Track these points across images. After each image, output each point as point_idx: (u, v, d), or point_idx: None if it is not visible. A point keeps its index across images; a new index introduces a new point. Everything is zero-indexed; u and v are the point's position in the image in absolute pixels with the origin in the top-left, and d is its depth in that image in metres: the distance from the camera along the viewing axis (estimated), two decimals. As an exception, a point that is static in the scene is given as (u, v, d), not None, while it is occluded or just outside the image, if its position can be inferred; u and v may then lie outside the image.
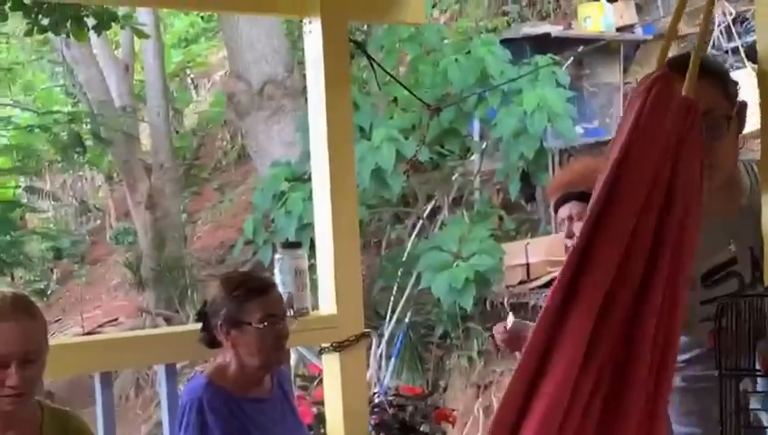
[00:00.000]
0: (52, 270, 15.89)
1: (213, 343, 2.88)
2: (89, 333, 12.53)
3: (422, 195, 8.61)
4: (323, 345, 3.53)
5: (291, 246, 3.46)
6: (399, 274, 7.90)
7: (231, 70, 9.60)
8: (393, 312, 7.97)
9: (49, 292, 15.22)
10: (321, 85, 3.42)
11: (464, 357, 7.99)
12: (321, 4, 3.41)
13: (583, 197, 2.87)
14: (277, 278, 3.41)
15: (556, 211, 2.94)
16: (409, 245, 8.10)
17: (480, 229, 7.06)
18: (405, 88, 5.01)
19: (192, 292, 11.67)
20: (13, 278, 13.36)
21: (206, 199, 15.43)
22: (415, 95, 5.14)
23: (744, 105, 2.15)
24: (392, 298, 8.04)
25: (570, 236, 2.91)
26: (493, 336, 2.99)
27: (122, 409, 10.82)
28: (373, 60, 3.74)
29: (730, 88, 2.15)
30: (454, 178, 8.23)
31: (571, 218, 2.90)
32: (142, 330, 8.48)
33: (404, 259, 7.91)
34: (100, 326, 12.85)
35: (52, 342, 2.41)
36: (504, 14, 11.92)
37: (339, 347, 3.48)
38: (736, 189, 2.22)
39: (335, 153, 3.48)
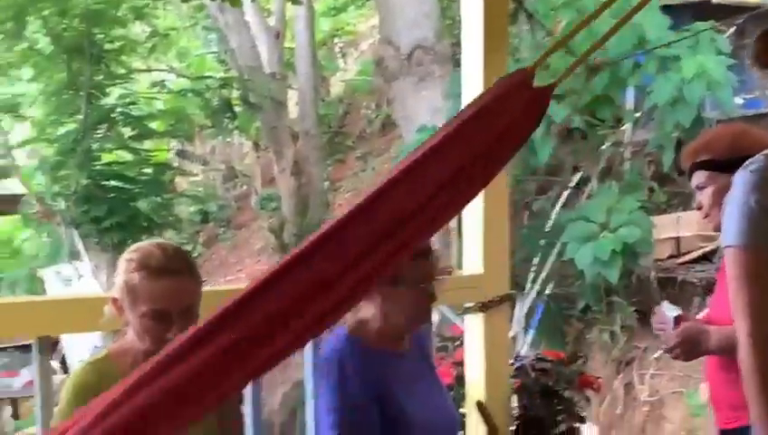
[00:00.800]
0: (198, 233, 16.36)
1: (362, 293, 2.83)
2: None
3: (569, 165, 8.40)
4: (467, 305, 3.47)
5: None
6: (542, 244, 7.74)
7: (381, 35, 9.57)
8: (533, 283, 7.83)
9: (195, 254, 15.70)
10: (479, 45, 3.33)
11: (605, 332, 7.79)
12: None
13: (708, 165, 2.75)
14: (423, 235, 3.35)
15: (690, 179, 2.84)
16: (554, 215, 7.92)
17: (629, 200, 6.83)
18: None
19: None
20: (163, 237, 13.81)
21: (348, 167, 15.57)
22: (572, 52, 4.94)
23: None
24: (533, 269, 7.90)
25: (698, 207, 2.80)
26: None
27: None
28: (533, 15, 3.62)
29: None
30: (604, 147, 7.98)
31: (698, 188, 2.79)
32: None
33: (548, 229, 7.74)
34: (244, 287, 13.12)
35: (210, 288, 2.41)
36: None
37: (483, 307, 3.41)
38: None
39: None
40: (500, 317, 3.48)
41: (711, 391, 2.89)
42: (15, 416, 8.81)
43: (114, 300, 2.30)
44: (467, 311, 3.47)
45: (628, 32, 6.61)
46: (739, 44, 8.06)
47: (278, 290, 1.56)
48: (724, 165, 2.69)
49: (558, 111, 6.67)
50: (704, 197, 2.80)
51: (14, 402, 8.75)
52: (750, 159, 2.27)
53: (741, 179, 2.22)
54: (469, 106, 1.71)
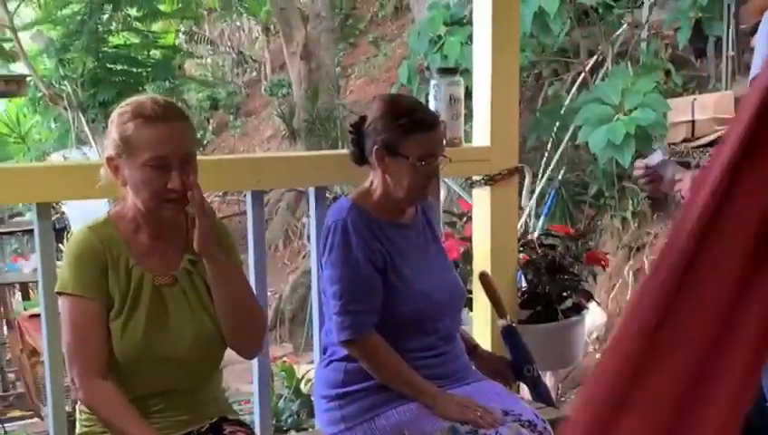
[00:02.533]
0: (208, 120, 16.24)
1: (362, 160, 2.76)
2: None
3: (584, 48, 8.21)
4: (474, 178, 3.39)
5: (448, 71, 3.29)
6: (555, 129, 7.62)
7: None
8: (546, 169, 7.73)
9: (204, 141, 15.62)
10: None
11: (617, 217, 7.73)
12: None
13: None
14: (431, 105, 3.26)
15: (752, 35, 2.68)
16: (568, 99, 7.78)
17: (645, 82, 6.66)
18: None
19: (343, 143, 11.70)
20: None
21: (360, 52, 15.32)
22: None
23: None
24: (546, 155, 7.80)
25: None
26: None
27: (271, 259, 11.09)
28: None
29: None
30: (620, 29, 7.78)
31: None
32: (293, 152, 8.53)
33: (562, 112, 7.61)
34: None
35: (207, 157, 2.35)
36: None
37: (491, 180, 3.34)
38: None
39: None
40: (507, 190, 3.40)
41: None
42: (26, 299, 8.88)
43: (109, 159, 2.24)
44: (475, 184, 3.40)
45: None
46: None
47: None
48: None
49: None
50: None
51: (24, 286, 8.79)
52: None
53: None
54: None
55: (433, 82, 3.27)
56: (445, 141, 3.04)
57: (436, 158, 2.69)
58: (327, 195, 3.18)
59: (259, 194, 3.01)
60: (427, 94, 3.40)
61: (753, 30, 2.61)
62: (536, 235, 3.66)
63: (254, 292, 2.56)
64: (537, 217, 7.70)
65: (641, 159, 2.80)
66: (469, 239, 3.52)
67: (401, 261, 2.69)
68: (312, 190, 3.11)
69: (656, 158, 2.76)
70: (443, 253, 2.96)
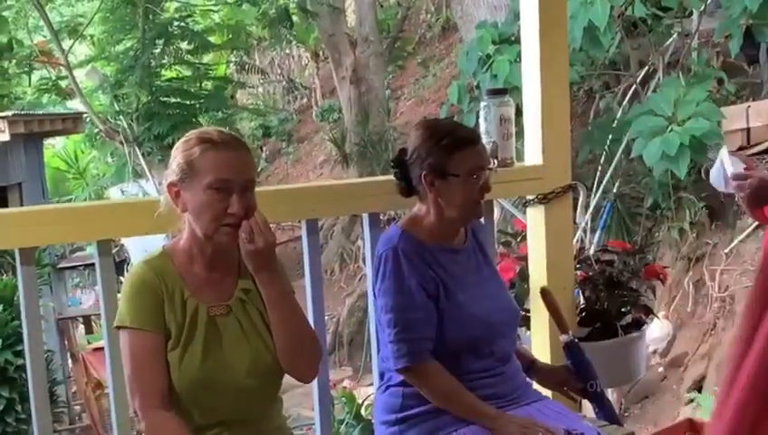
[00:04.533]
0: (261, 148, 16.41)
1: (410, 191, 2.78)
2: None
3: (635, 60, 8.16)
4: (528, 197, 3.39)
5: (497, 93, 3.30)
6: (608, 142, 7.57)
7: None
8: (600, 183, 7.68)
9: (259, 169, 15.77)
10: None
11: (674, 229, 7.65)
12: None
13: None
14: (482, 126, 3.27)
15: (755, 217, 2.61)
16: (620, 111, 7.73)
17: (697, 91, 6.60)
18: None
19: (396, 166, 11.74)
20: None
21: (409, 74, 15.40)
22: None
23: None
24: (599, 168, 7.75)
25: None
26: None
27: (327, 283, 11.14)
28: None
29: None
30: (670, 39, 7.72)
31: None
32: (346, 180, 8.59)
33: (614, 125, 7.56)
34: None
35: (266, 188, 2.39)
36: None
37: (544, 199, 3.33)
38: None
39: (546, 17, 3.28)
40: (562, 208, 3.39)
41: None
42: (89, 332, 9.02)
43: (171, 185, 2.30)
44: (529, 203, 3.40)
45: None
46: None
47: None
48: None
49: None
50: None
51: (87, 320, 8.94)
52: None
53: None
54: None
55: (483, 104, 3.28)
56: (497, 161, 3.05)
57: (484, 170, 2.69)
58: (381, 217, 3.19)
59: (314, 222, 3.04)
60: (478, 113, 3.41)
61: None
62: (592, 250, 3.64)
63: (312, 317, 2.57)
64: (593, 231, 7.65)
65: (734, 177, 2.57)
66: (525, 258, 3.51)
67: (454, 286, 2.69)
68: (365, 216, 3.13)
69: (732, 164, 2.60)
70: (496, 274, 2.96)
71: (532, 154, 3.35)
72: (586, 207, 7.70)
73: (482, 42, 6.80)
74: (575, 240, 4.43)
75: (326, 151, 15.04)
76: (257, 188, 2.37)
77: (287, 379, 2.40)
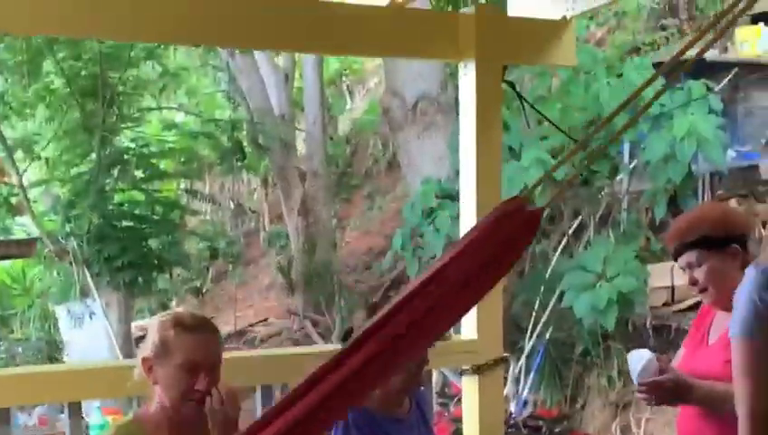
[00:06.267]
0: (207, 269, 16.60)
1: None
2: (240, 332, 13.12)
3: (569, 211, 8.67)
4: (464, 368, 3.72)
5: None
6: (542, 290, 8.00)
7: (387, 85, 9.89)
8: (535, 327, 8.08)
9: (204, 290, 15.93)
10: (473, 128, 3.61)
11: (603, 376, 8.02)
12: (477, 49, 3.58)
13: (699, 244, 2.93)
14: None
15: (675, 259, 3.02)
16: (554, 261, 8.18)
17: (625, 250, 7.10)
18: (554, 125, 5.12)
19: (339, 297, 12.06)
20: (171, 276, 14.06)
21: (355, 206, 15.86)
22: (562, 130, 5.25)
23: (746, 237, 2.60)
24: (534, 313, 8.16)
25: (692, 283, 2.97)
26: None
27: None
28: (525, 100, 3.90)
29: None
30: (601, 196, 8.26)
31: (690, 265, 2.95)
32: (296, 347, 8.85)
33: (548, 276, 8.00)
34: (250, 326, 13.42)
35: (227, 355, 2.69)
36: (663, 28, 11.82)
37: (478, 370, 3.66)
38: None
39: (482, 184, 3.67)
40: (494, 378, 3.72)
41: None
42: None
43: (145, 359, 2.58)
44: (464, 372, 3.72)
45: (622, 89, 6.92)
46: (732, 98, 8.35)
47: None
48: (719, 243, 2.90)
49: (559, 169, 6.92)
50: (699, 274, 2.94)
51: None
52: (760, 260, 2.57)
53: (751, 277, 2.47)
54: (474, 227, 2.07)
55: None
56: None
57: None
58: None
59: (268, 388, 3.32)
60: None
61: (678, 253, 2.99)
62: (521, 417, 3.96)
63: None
64: (527, 373, 8.00)
65: (641, 380, 2.95)
66: (460, 420, 3.82)
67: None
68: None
69: (639, 368, 2.97)
70: (434, 440, 3.27)
71: (468, 328, 3.70)
72: (521, 349, 8.07)
73: (425, 196, 7.24)
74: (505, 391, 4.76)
75: (272, 275, 15.29)
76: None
77: None
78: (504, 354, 3.74)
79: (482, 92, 3.65)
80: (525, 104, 4.05)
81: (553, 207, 8.90)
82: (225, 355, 2.72)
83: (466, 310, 2.14)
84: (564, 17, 3.88)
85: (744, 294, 2.46)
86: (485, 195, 3.67)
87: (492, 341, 3.70)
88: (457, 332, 3.76)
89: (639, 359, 2.95)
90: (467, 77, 3.67)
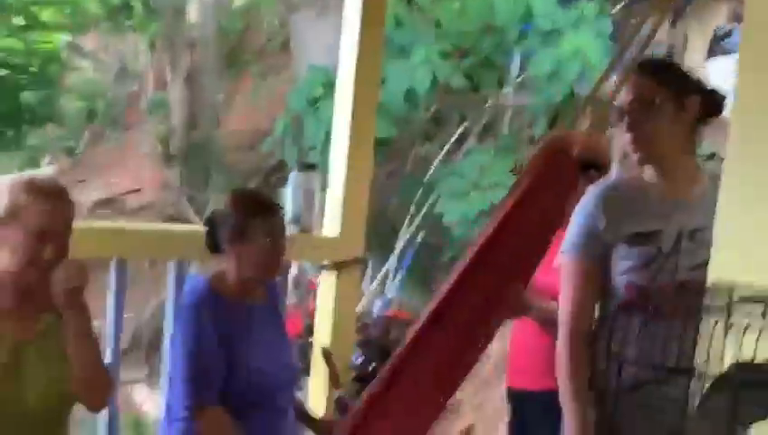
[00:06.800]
0: (84, 130, 16.10)
1: (216, 249, 3.06)
2: (110, 200, 12.86)
3: (455, 116, 8.69)
4: (324, 263, 3.73)
5: (306, 167, 3.65)
6: (420, 193, 8.07)
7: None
8: (408, 229, 8.17)
9: (78, 151, 15.45)
10: (357, 20, 3.54)
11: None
12: None
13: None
14: (288, 195, 3.60)
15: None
16: (433, 167, 8.24)
17: (503, 163, 7.18)
18: (438, 27, 5.06)
19: (218, 173, 11.90)
20: (45, 132, 13.63)
21: (244, 83, 15.51)
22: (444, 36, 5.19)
23: (695, 99, 2.47)
24: (410, 216, 8.24)
25: None
26: None
27: (135, 279, 11.05)
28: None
29: (671, 79, 2.48)
30: (486, 105, 8.31)
31: None
32: (157, 224, 8.76)
33: (426, 180, 8.07)
34: (122, 194, 13.12)
35: (78, 226, 2.61)
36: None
37: (336, 266, 3.68)
38: (690, 177, 2.51)
39: (360, 83, 3.63)
40: (352, 277, 3.75)
41: (515, 353, 3.30)
42: None
43: None
44: (323, 268, 3.74)
45: (518, 2, 6.91)
46: (624, 22, 8.41)
47: None
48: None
49: (443, 68, 6.93)
50: None
51: None
52: (607, 178, 2.61)
53: (591, 193, 2.51)
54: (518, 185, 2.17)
55: (292, 175, 3.61)
56: (298, 228, 3.40)
57: (278, 236, 3.01)
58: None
59: (122, 263, 3.27)
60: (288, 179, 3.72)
61: None
62: (375, 314, 4.02)
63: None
64: (397, 271, 8.12)
65: None
66: (313, 315, 3.85)
67: (246, 342, 3.00)
68: (173, 263, 3.38)
69: None
70: (284, 333, 3.28)
71: (331, 224, 3.69)
72: (392, 248, 8.16)
73: (310, 84, 7.14)
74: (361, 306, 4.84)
75: (151, 144, 14.93)
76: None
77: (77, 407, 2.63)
78: (361, 256, 3.77)
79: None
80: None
81: (441, 112, 8.94)
82: (82, 225, 2.66)
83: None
84: None
85: (580, 211, 2.51)
86: (361, 104, 3.64)
87: (353, 239, 3.71)
88: (320, 227, 3.75)
89: None
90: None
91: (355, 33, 3.62)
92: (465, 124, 8.39)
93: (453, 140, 8.29)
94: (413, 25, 7.08)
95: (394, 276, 8.11)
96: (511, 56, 7.94)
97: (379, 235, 9.06)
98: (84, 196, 13.27)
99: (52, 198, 2.48)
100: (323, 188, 3.72)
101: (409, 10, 7.10)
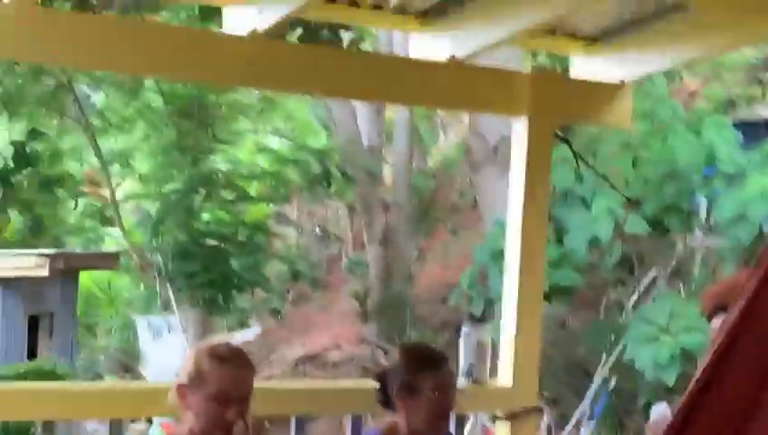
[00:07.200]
0: (288, 291, 16.90)
1: (387, 404, 3.20)
2: (312, 356, 13.33)
3: (641, 262, 8.66)
4: (497, 414, 3.80)
5: (477, 320, 3.78)
6: (612, 338, 8.01)
7: (471, 125, 10.04)
8: (601, 372, 8.08)
9: (283, 311, 16.21)
10: (521, 182, 3.72)
11: (663, 431, 7.94)
12: (529, 107, 3.70)
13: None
14: (461, 348, 3.74)
15: (709, 320, 3.05)
16: (624, 312, 8.19)
17: (693, 306, 7.05)
18: (607, 181, 5.18)
19: (411, 327, 12.18)
20: (252, 295, 14.40)
21: (438, 239, 15.96)
22: (616, 188, 5.30)
23: None
24: (602, 361, 8.16)
25: None
26: None
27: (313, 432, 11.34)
28: (579, 157, 3.99)
29: None
30: (675, 249, 8.24)
31: None
32: (332, 381, 8.98)
33: (616, 324, 8.01)
34: (324, 350, 13.61)
35: (265, 374, 2.84)
36: (760, 82, 11.72)
37: (511, 417, 3.74)
38: None
39: (527, 238, 3.77)
40: (528, 426, 3.79)
41: None
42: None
43: (179, 387, 2.74)
44: (497, 419, 3.81)
45: (700, 147, 6.93)
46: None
47: None
48: None
49: (630, 220, 6.99)
50: None
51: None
52: None
53: None
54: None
55: (464, 329, 3.75)
56: (471, 380, 3.52)
57: (447, 389, 3.11)
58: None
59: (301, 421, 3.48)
60: (460, 332, 3.86)
61: (711, 315, 3.02)
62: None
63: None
64: (591, 416, 7.99)
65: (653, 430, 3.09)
66: (493, 465, 3.90)
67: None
68: (348, 417, 3.56)
69: (651, 420, 3.08)
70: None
71: (504, 375, 3.78)
72: (585, 392, 8.06)
73: (495, 238, 7.32)
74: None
75: (350, 302, 15.49)
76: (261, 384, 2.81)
77: None
78: (538, 405, 3.81)
79: (532, 148, 3.76)
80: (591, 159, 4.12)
81: (631, 257, 8.92)
82: (263, 384, 2.87)
83: None
84: (622, 81, 3.97)
85: None
86: (529, 257, 3.77)
87: (527, 389, 3.77)
88: (493, 376, 3.84)
89: (656, 412, 3.04)
90: (519, 133, 3.79)
91: (521, 189, 3.79)
92: (655, 269, 8.32)
93: (642, 285, 8.23)
94: (592, 178, 7.21)
95: (588, 422, 7.99)
96: (696, 200, 7.89)
97: (572, 380, 9.00)
98: (289, 353, 13.89)
99: (232, 364, 2.72)
100: (496, 339, 3.83)
101: (588, 165, 7.24)
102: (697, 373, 2.11)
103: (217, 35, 3.32)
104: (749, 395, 2.08)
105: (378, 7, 3.55)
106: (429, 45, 3.69)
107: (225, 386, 2.69)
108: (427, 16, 3.63)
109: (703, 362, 2.10)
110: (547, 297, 8.02)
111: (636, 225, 6.98)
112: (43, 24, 2.87)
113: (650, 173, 7.38)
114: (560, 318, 10.26)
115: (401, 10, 3.60)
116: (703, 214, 8.17)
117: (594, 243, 6.97)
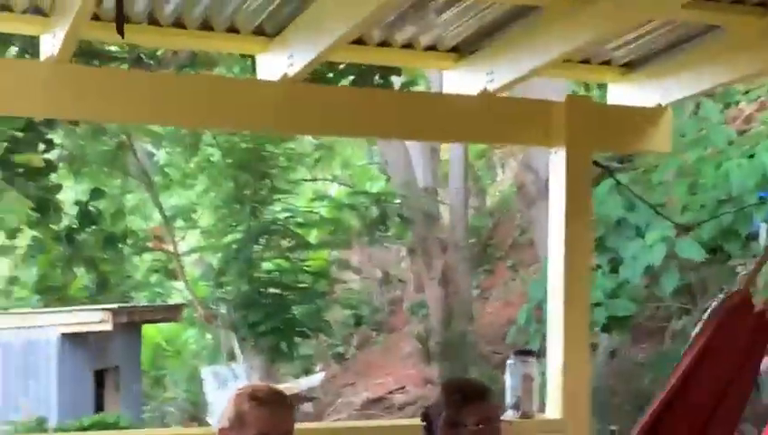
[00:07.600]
0: (352, 335, 16.94)
1: (433, 441, 3.20)
2: (378, 399, 13.32)
3: (704, 290, 8.52)
4: (550, 448, 3.77)
5: (523, 353, 3.77)
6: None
7: (523, 161, 10.03)
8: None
9: (347, 356, 16.24)
10: (562, 213, 3.72)
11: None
12: (566, 137, 3.71)
13: None
14: (507, 381, 3.71)
15: None
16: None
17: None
18: (654, 209, 5.13)
19: (473, 365, 12.11)
20: (317, 341, 14.47)
21: (499, 277, 15.88)
22: (664, 216, 5.25)
23: None
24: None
25: None
26: None
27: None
28: (626, 187, 3.98)
29: None
30: (736, 276, 8.08)
31: None
32: (381, 421, 8.95)
33: (680, 353, 7.86)
34: (389, 393, 13.60)
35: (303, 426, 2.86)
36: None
37: (560, 449, 3.71)
38: None
39: (570, 270, 3.76)
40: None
41: None
42: None
43: (221, 430, 2.78)
44: (548, 451, 3.77)
45: (753, 170, 6.83)
46: None
47: None
48: None
49: (679, 243, 6.91)
50: None
51: None
52: None
53: None
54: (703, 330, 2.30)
55: (509, 362, 3.73)
56: (519, 413, 3.50)
57: (491, 422, 3.09)
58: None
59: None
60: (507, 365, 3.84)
61: None
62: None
63: None
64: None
65: None
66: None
67: None
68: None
69: None
70: None
71: (553, 408, 3.75)
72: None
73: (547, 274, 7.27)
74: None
75: (413, 344, 15.47)
76: (299, 427, 2.84)
77: None
78: (591, 436, 3.77)
79: (571, 178, 3.76)
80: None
81: (692, 285, 8.78)
82: (307, 425, 2.89)
83: None
84: (659, 105, 3.95)
85: None
86: (573, 285, 3.76)
87: (578, 421, 3.74)
88: (542, 410, 3.82)
89: None
90: (557, 163, 3.79)
91: (562, 220, 3.80)
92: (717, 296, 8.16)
93: (705, 314, 8.07)
94: (645, 206, 7.15)
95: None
96: (755, 225, 7.75)
97: (637, 412, 8.83)
98: (354, 397, 13.89)
99: (271, 405, 2.74)
100: (542, 372, 3.81)
101: (634, 194, 7.19)
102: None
103: (247, 81, 3.40)
104: None
105: (408, 46, 3.60)
106: (462, 80, 3.74)
107: (264, 427, 2.72)
108: (459, 52, 3.68)
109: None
110: (606, 328, 7.97)
111: (690, 250, 6.88)
112: (76, 81, 2.97)
113: (706, 199, 7.29)
114: (622, 349, 10.13)
115: (432, 48, 3.65)
116: (762, 238, 8.01)
117: (649, 271, 6.89)
